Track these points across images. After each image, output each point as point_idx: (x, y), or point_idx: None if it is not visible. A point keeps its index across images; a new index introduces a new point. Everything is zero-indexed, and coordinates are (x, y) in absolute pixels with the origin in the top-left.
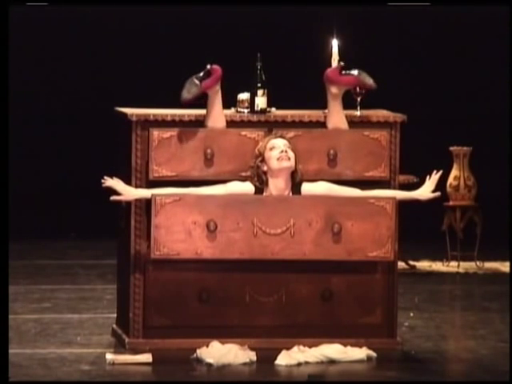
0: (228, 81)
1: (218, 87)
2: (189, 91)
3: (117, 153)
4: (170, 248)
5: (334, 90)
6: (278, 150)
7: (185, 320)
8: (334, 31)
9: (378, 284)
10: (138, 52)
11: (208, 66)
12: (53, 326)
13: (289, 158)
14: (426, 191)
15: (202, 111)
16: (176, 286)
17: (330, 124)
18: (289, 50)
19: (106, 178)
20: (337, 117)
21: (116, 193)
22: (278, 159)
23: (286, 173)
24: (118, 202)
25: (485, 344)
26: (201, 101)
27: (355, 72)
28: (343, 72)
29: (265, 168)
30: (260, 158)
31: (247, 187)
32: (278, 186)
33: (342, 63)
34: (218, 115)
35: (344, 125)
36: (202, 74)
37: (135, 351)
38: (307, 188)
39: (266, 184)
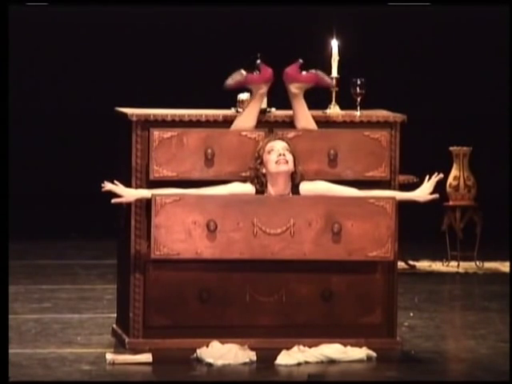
0: None
1: (264, 89)
2: (233, 78)
3: (117, 153)
4: (170, 248)
5: (294, 89)
6: (276, 154)
7: (185, 320)
8: (333, 31)
9: (378, 284)
10: (138, 52)
11: (258, 61)
12: (53, 326)
13: (286, 162)
14: (424, 192)
15: (203, 112)
16: (176, 285)
17: (298, 125)
18: (289, 50)
19: (105, 182)
20: (303, 117)
21: (117, 195)
22: (275, 163)
23: (284, 176)
24: (119, 204)
25: (485, 344)
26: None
27: (313, 71)
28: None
29: (263, 170)
30: (259, 161)
31: (248, 188)
32: (277, 188)
33: (300, 60)
34: (251, 116)
35: (311, 125)
36: (253, 68)
37: (135, 351)
38: (306, 187)
39: (266, 186)
